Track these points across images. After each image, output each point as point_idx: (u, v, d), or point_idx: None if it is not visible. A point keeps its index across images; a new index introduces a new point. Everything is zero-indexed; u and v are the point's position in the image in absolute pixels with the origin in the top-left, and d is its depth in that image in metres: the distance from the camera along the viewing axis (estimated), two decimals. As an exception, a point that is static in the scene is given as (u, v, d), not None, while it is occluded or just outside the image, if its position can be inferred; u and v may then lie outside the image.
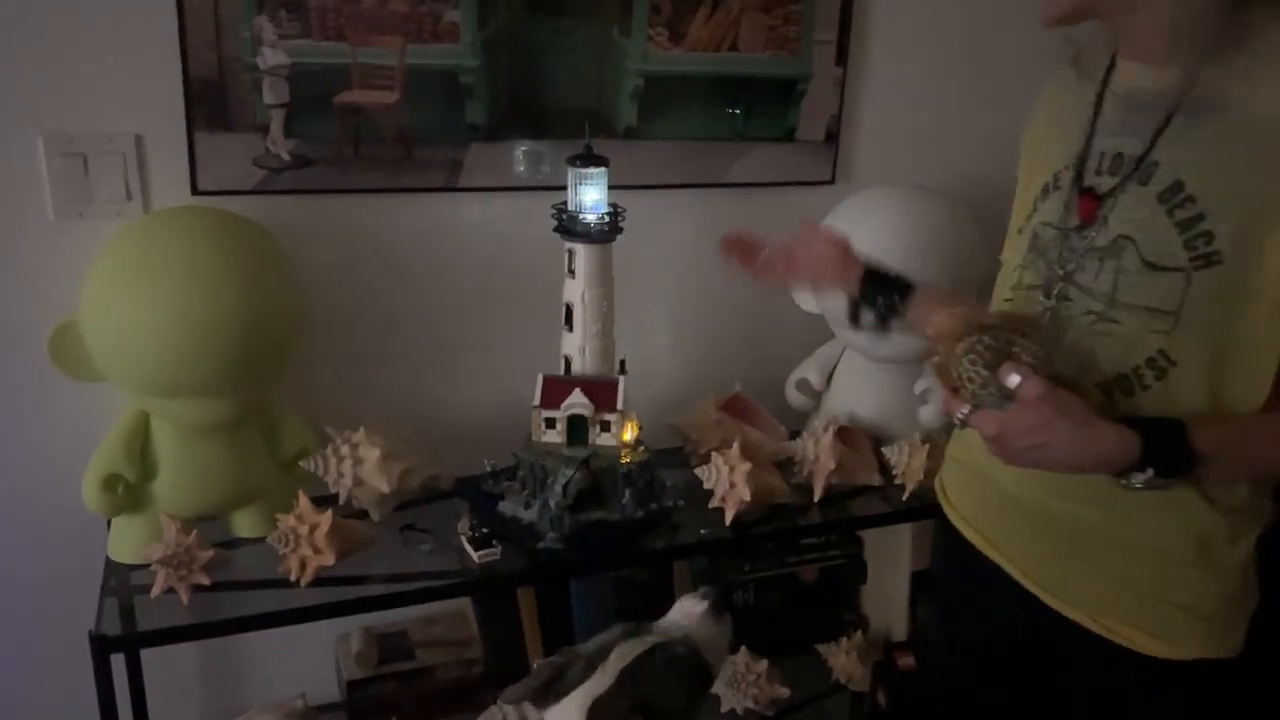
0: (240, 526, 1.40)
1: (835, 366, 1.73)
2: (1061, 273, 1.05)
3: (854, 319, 1.27)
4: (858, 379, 1.69)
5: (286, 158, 1.43)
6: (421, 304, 1.59)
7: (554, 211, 1.44)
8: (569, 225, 1.43)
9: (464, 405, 1.65)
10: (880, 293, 1.22)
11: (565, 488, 1.41)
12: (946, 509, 1.24)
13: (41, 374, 1.28)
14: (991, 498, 1.15)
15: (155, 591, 1.24)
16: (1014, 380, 0.94)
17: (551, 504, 1.40)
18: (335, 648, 1.67)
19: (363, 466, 1.40)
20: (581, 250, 1.44)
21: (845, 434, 1.60)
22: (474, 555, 1.36)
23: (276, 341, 1.32)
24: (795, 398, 1.75)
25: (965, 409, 0.98)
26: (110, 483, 1.30)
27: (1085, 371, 1.01)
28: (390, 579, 1.33)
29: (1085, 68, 1.03)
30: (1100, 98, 1.05)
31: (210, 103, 1.37)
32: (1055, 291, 1.05)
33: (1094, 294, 1.01)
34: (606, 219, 1.44)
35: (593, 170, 1.43)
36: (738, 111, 1.67)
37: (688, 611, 1.12)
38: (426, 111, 1.48)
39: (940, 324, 1.01)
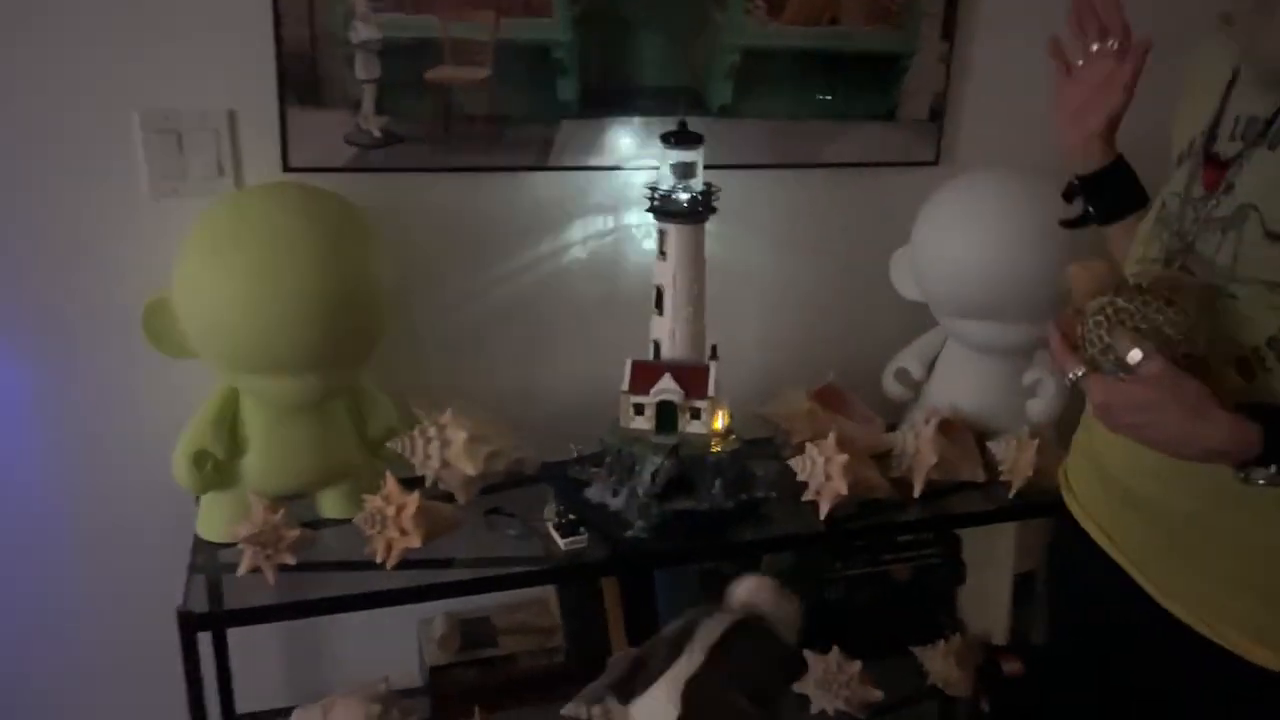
0: (327, 507, 1.39)
1: (937, 356, 1.65)
2: (1182, 245, 0.98)
3: (1066, 196, 1.20)
4: (961, 369, 1.61)
5: (378, 135, 1.41)
6: (511, 284, 1.56)
7: (646, 191, 1.39)
8: (661, 205, 1.39)
9: (552, 388, 1.62)
10: (1101, 192, 1.14)
11: (654, 475, 1.36)
12: (1067, 497, 1.17)
13: (136, 350, 1.28)
14: (1107, 486, 1.09)
15: (242, 570, 1.23)
16: (1134, 356, 0.88)
17: (639, 492, 1.36)
18: (418, 632, 1.65)
19: (450, 449, 1.37)
20: (673, 231, 1.39)
21: (947, 427, 1.53)
22: (560, 542, 1.33)
23: (366, 320, 1.31)
24: (893, 388, 1.68)
25: (1079, 370, 0.93)
26: (199, 459, 1.30)
27: (1222, 346, 0.94)
28: (475, 564, 1.31)
29: (1234, 33, 0.95)
30: (1241, 64, 0.98)
31: (302, 78, 1.36)
32: (1176, 265, 0.99)
33: (1214, 267, 0.95)
34: (700, 199, 1.39)
35: (687, 149, 1.38)
36: (836, 89, 1.60)
37: (754, 590, 1.12)
38: (518, 88, 1.45)
39: (1077, 276, 0.95)
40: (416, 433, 1.38)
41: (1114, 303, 0.90)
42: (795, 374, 1.64)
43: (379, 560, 1.27)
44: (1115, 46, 1.07)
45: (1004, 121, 1.70)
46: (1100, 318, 0.91)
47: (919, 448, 1.49)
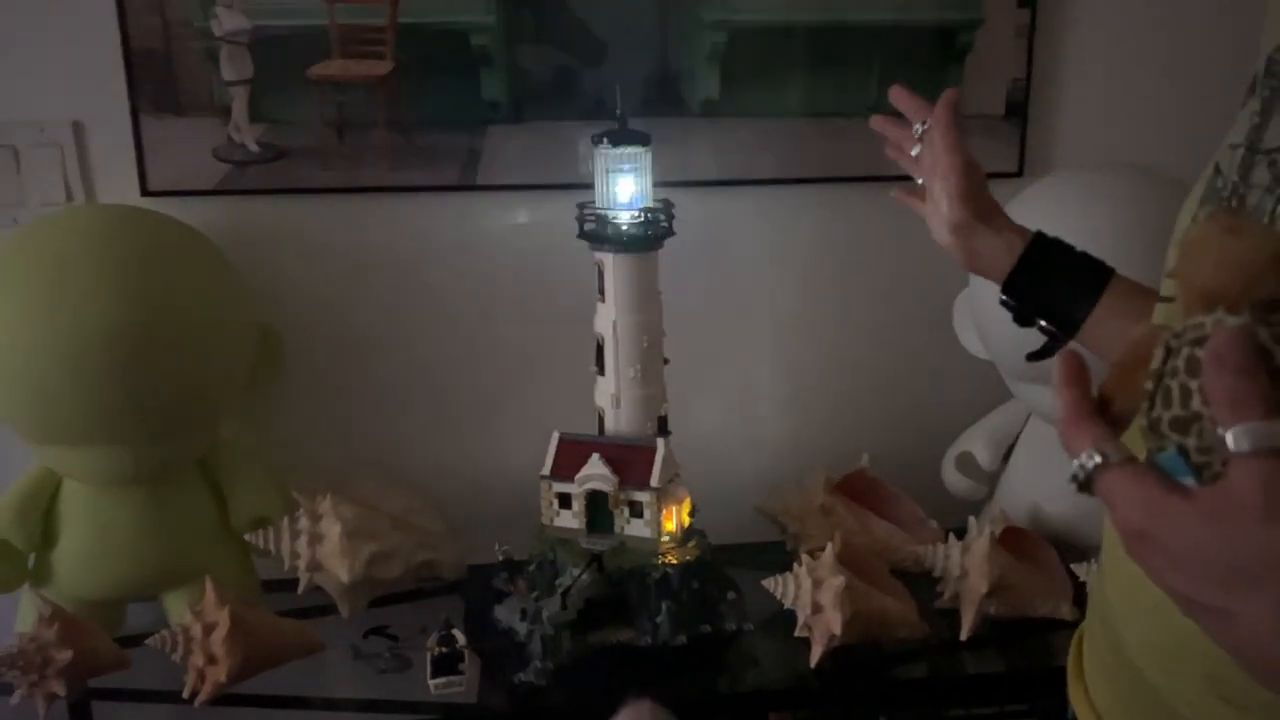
0: (175, 612, 1.10)
1: (1015, 438, 1.20)
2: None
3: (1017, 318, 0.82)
4: (1046, 458, 1.16)
5: (254, 148, 1.14)
6: (434, 334, 1.24)
7: (578, 212, 1.05)
8: (597, 229, 1.04)
9: (494, 465, 1.27)
10: (1032, 293, 0.79)
11: (566, 594, 0.99)
12: (1073, 694, 0.70)
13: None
14: (1133, 691, 0.62)
15: (15, 700, 0.95)
16: (1240, 444, 0.37)
17: (544, 616, 0.99)
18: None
19: (322, 546, 1.07)
20: (610, 263, 1.04)
21: (1017, 539, 1.08)
22: (430, 683, 0.98)
23: (205, 375, 1.03)
24: (954, 480, 1.23)
25: (1110, 452, 0.41)
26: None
27: None
28: (303, 705, 0.98)
29: None
30: None
31: (157, 80, 1.10)
32: None
33: None
34: (647, 219, 1.03)
35: (627, 151, 1.03)
36: (868, 77, 1.20)
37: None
38: (430, 86, 1.15)
39: (1205, 277, 0.42)
40: (285, 524, 1.09)
41: (1258, 327, 0.38)
42: (827, 454, 1.24)
43: (185, 695, 0.96)
44: (925, 126, 0.85)
45: (1110, 116, 1.25)
46: (1225, 349, 0.38)
47: (967, 568, 1.04)
